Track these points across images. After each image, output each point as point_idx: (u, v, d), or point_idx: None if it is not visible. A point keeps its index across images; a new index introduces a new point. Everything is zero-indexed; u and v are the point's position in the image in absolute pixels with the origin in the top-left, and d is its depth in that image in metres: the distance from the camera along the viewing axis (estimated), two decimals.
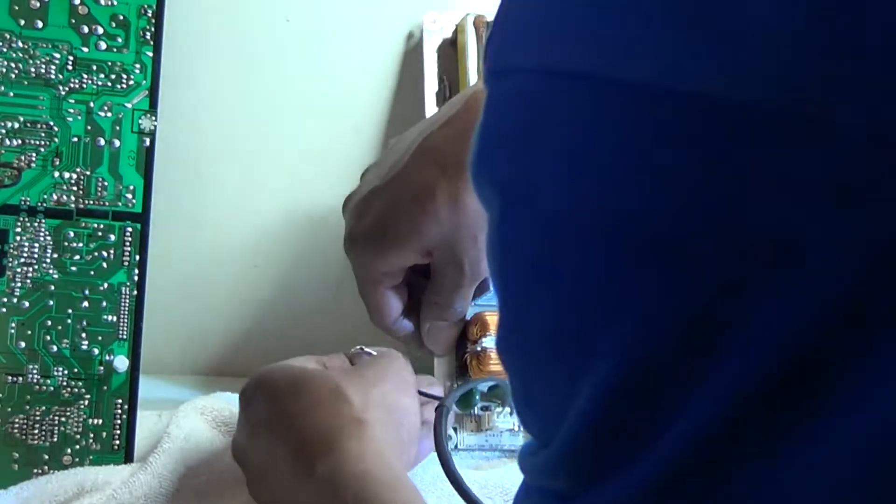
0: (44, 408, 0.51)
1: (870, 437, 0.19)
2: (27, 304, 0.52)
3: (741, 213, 0.19)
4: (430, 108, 0.62)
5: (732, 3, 0.19)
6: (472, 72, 0.59)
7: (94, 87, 0.54)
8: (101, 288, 0.53)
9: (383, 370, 0.48)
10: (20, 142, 0.53)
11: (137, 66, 0.54)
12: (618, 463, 0.22)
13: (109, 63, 0.54)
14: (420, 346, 0.55)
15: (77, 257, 0.53)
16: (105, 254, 0.53)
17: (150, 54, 0.54)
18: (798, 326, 0.19)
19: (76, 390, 0.52)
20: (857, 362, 0.19)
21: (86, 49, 0.54)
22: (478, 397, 0.55)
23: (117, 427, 0.52)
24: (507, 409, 0.56)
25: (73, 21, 0.53)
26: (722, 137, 0.19)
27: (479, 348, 0.54)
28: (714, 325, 0.20)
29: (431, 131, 0.49)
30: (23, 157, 0.53)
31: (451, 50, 0.62)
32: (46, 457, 0.51)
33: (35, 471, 0.51)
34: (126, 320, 0.53)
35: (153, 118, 0.54)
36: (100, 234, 0.53)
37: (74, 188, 0.53)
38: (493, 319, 0.53)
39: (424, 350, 0.55)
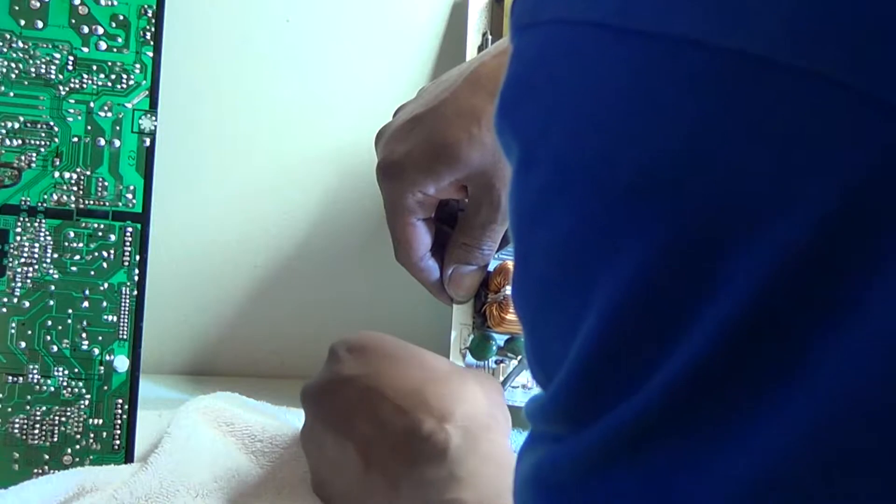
0: (44, 408, 0.52)
1: (854, 373, 0.19)
2: (27, 304, 0.52)
3: (732, 154, 0.20)
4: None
5: None
6: None
7: (95, 87, 0.54)
8: (102, 288, 0.53)
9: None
10: (20, 142, 0.53)
11: (137, 66, 0.54)
12: (607, 404, 0.22)
13: (109, 63, 0.54)
14: (441, 291, 0.54)
15: (77, 257, 0.53)
16: (105, 254, 0.53)
17: (150, 54, 0.54)
18: (788, 261, 0.19)
19: (76, 390, 0.52)
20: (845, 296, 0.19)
21: (86, 49, 0.54)
22: (494, 349, 0.55)
23: (118, 427, 0.52)
24: (522, 365, 0.55)
25: (74, 21, 0.53)
26: (707, 79, 0.20)
27: (501, 297, 0.53)
28: (707, 259, 0.20)
29: (484, 60, 0.49)
30: (23, 157, 0.53)
31: (497, 6, 0.62)
32: (47, 457, 0.51)
33: (35, 471, 0.51)
34: (126, 320, 0.53)
35: (153, 118, 0.54)
36: (100, 234, 0.53)
37: (74, 188, 0.53)
38: None
39: (444, 296, 0.55)
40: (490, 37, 0.62)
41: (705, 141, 0.20)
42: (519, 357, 0.55)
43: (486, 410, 0.45)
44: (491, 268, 0.54)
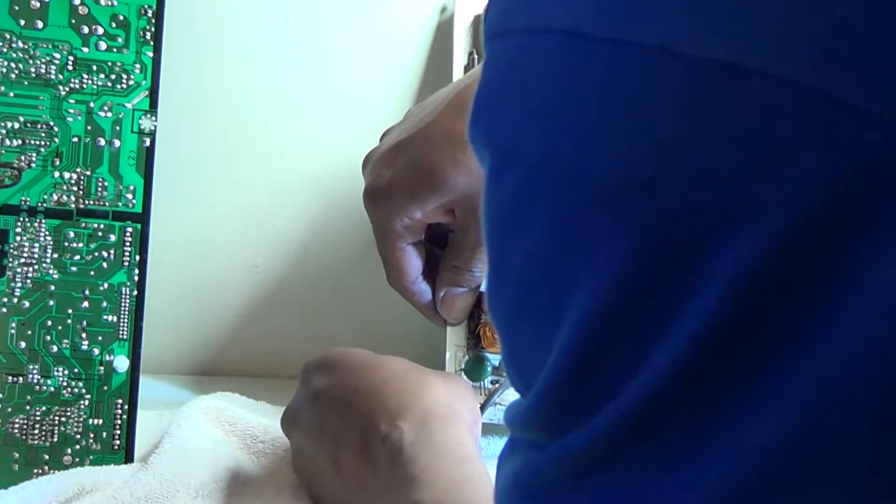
0: (44, 408, 0.51)
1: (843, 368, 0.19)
2: (27, 304, 0.52)
3: (704, 160, 0.20)
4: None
5: None
6: None
7: (94, 87, 0.54)
8: (102, 288, 0.53)
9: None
10: (20, 142, 0.53)
11: (137, 66, 0.54)
12: (587, 411, 0.22)
13: (109, 63, 0.54)
14: (434, 313, 0.54)
15: (77, 257, 0.53)
16: (105, 254, 0.53)
17: (150, 54, 0.54)
18: (762, 265, 0.20)
19: (76, 390, 0.52)
20: (825, 293, 0.19)
21: (86, 49, 0.54)
22: (489, 370, 0.55)
23: (117, 427, 0.52)
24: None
25: (74, 21, 0.53)
26: (677, 87, 0.20)
27: None
28: (682, 263, 0.20)
29: (468, 82, 0.49)
30: (23, 158, 0.53)
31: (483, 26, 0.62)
32: (47, 457, 0.51)
33: (35, 471, 0.51)
34: (126, 320, 0.53)
35: (153, 118, 0.54)
36: (100, 234, 0.53)
37: (74, 188, 0.53)
38: None
39: (437, 319, 0.55)
40: (476, 56, 0.62)
41: (676, 147, 0.20)
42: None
43: (444, 401, 0.45)
44: (483, 288, 0.54)
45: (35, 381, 0.52)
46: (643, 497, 0.21)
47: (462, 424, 0.45)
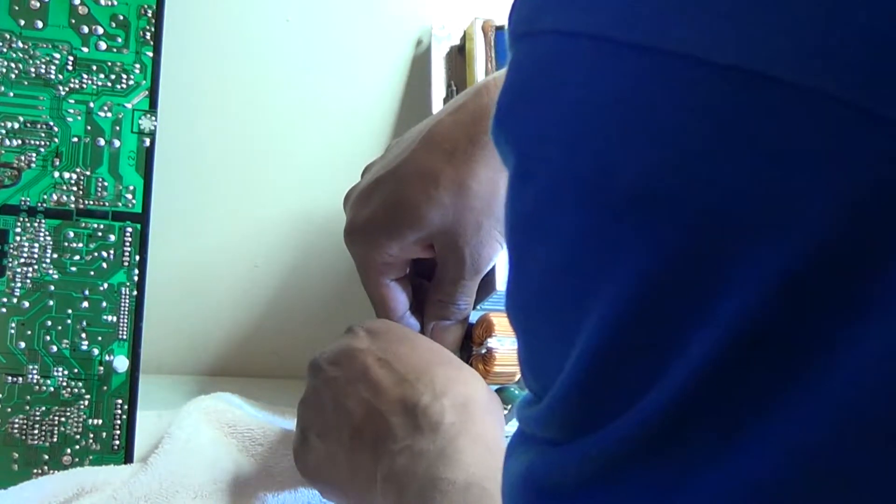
0: (44, 408, 0.51)
1: (867, 383, 0.19)
2: (27, 304, 0.52)
3: (731, 171, 0.20)
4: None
5: None
6: (481, 77, 0.59)
7: (94, 87, 0.54)
8: (101, 288, 0.53)
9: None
10: (20, 142, 0.53)
11: (137, 66, 0.54)
12: (607, 414, 0.22)
13: (109, 63, 0.54)
14: None
15: (77, 257, 0.53)
16: (105, 254, 0.53)
17: (150, 54, 0.54)
18: (789, 276, 0.19)
19: (76, 390, 0.52)
20: (851, 309, 0.19)
21: (86, 49, 0.54)
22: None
23: (117, 427, 0.52)
24: (512, 413, 0.55)
25: (73, 21, 0.53)
26: (705, 96, 0.20)
27: (483, 350, 0.53)
28: (707, 273, 0.20)
29: (440, 118, 0.50)
30: (23, 158, 0.53)
31: (459, 56, 0.62)
32: (46, 457, 0.51)
33: (34, 471, 0.51)
34: (126, 320, 0.53)
35: (153, 118, 0.54)
36: (100, 234, 0.53)
37: (74, 188, 0.53)
38: (498, 321, 0.53)
39: None
40: (455, 87, 0.61)
41: (703, 156, 0.20)
42: (509, 406, 0.55)
43: (485, 395, 0.46)
44: (473, 319, 0.54)
45: (35, 381, 0.52)
46: (666, 499, 0.21)
47: (497, 420, 0.46)
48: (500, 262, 0.52)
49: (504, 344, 0.53)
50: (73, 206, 0.53)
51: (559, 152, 0.23)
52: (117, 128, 0.54)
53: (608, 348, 0.22)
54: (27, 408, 0.51)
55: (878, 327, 0.19)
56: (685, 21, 0.20)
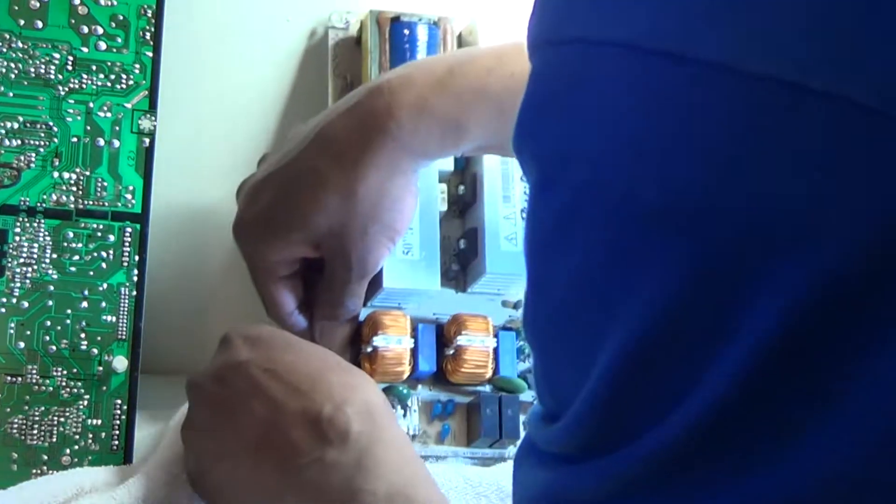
0: (43, 408, 0.51)
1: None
2: (26, 304, 0.52)
3: (761, 183, 0.19)
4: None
5: None
6: (376, 69, 0.57)
7: (94, 87, 0.54)
8: (101, 288, 0.53)
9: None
10: (20, 142, 0.53)
11: (137, 66, 0.54)
12: (629, 434, 0.22)
13: (109, 63, 0.54)
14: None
15: (76, 258, 0.53)
16: (104, 254, 0.53)
17: (150, 54, 0.54)
18: (817, 290, 0.19)
19: (75, 391, 0.52)
20: (876, 327, 0.19)
21: (85, 49, 0.54)
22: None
23: (116, 427, 0.52)
24: (401, 412, 0.54)
25: (73, 21, 0.53)
26: (738, 106, 0.20)
27: (370, 349, 0.52)
28: (733, 290, 0.20)
29: (330, 119, 0.48)
30: (22, 158, 0.53)
31: (356, 48, 0.61)
32: (45, 457, 0.51)
33: (34, 471, 0.51)
34: (125, 320, 0.53)
35: (153, 118, 0.54)
36: (99, 234, 0.53)
37: (74, 188, 0.53)
38: (386, 319, 0.52)
39: None
40: (351, 81, 0.60)
41: (734, 168, 0.20)
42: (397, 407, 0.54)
43: (382, 399, 0.45)
44: (362, 317, 0.53)
45: (34, 381, 0.52)
46: None
47: (396, 422, 0.45)
48: (389, 261, 0.51)
49: (390, 343, 0.52)
50: (72, 206, 0.53)
51: (584, 165, 0.22)
52: (117, 128, 0.54)
53: (632, 367, 0.22)
54: (26, 408, 0.51)
55: None
56: (717, 30, 0.20)
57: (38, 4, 0.53)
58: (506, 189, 0.55)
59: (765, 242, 0.19)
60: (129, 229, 0.53)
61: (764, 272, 0.19)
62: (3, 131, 0.52)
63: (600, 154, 0.22)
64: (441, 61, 0.48)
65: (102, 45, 0.54)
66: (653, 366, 0.21)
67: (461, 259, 0.57)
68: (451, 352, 0.53)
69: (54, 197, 0.53)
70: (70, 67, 0.53)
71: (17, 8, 0.53)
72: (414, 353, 0.53)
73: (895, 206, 0.18)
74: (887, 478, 0.19)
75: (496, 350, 0.54)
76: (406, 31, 0.58)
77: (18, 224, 0.52)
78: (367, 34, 0.58)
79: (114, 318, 0.53)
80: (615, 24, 0.22)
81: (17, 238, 0.52)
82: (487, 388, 0.55)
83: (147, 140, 0.54)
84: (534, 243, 0.25)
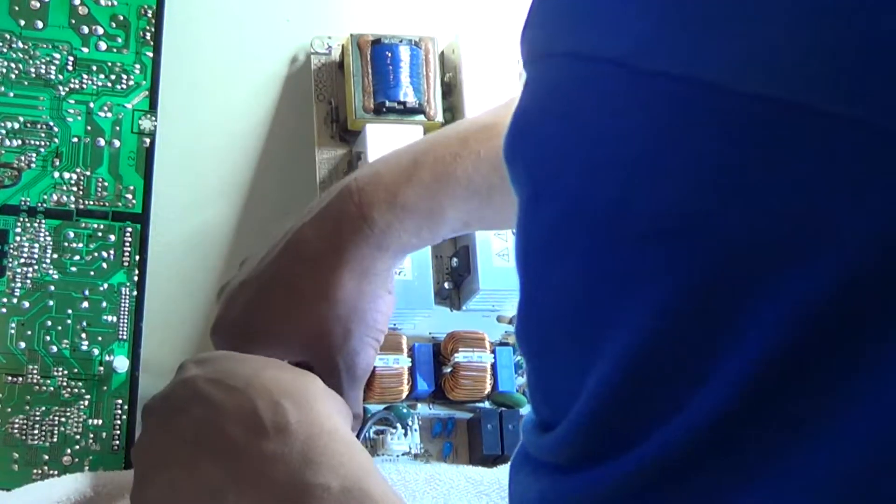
0: (44, 408, 0.51)
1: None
2: (27, 304, 0.52)
3: (756, 201, 0.19)
4: (320, 131, 0.60)
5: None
6: (359, 92, 0.57)
7: (94, 87, 0.54)
8: (101, 288, 0.53)
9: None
10: (20, 142, 0.53)
11: (137, 66, 0.54)
12: (623, 445, 0.22)
13: (109, 63, 0.54)
14: None
15: (77, 258, 0.53)
16: (105, 254, 0.53)
17: (150, 54, 0.54)
18: (809, 309, 0.19)
19: (76, 391, 0.52)
20: (876, 343, 0.19)
21: (86, 49, 0.54)
22: (370, 422, 0.54)
23: (117, 427, 0.52)
24: (401, 431, 0.54)
25: (74, 21, 0.53)
26: (731, 125, 0.20)
27: None
28: (729, 304, 0.20)
29: (303, 223, 0.47)
30: (23, 158, 0.53)
31: (339, 72, 0.61)
32: (46, 457, 0.51)
33: (35, 471, 0.51)
34: (126, 320, 0.53)
35: (153, 118, 0.54)
36: (99, 234, 0.53)
37: (74, 188, 0.53)
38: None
39: None
40: (336, 105, 0.60)
41: (729, 186, 0.20)
42: (398, 425, 0.54)
43: (323, 390, 0.44)
44: None
45: (35, 381, 0.52)
46: None
47: (343, 416, 0.44)
48: None
49: (387, 363, 0.52)
50: (73, 206, 0.53)
51: (575, 179, 0.22)
52: (117, 128, 0.54)
53: (626, 380, 0.22)
54: (27, 408, 0.51)
55: None
56: (710, 48, 0.20)
57: (38, 5, 0.53)
58: None
59: (761, 258, 0.19)
60: (129, 229, 0.54)
61: (760, 287, 0.19)
62: (4, 131, 0.52)
63: (593, 168, 0.22)
64: (406, 153, 0.47)
65: (103, 46, 0.54)
66: (648, 378, 0.21)
67: (454, 277, 0.57)
68: (449, 370, 0.54)
69: (55, 197, 0.53)
70: (70, 68, 0.53)
71: (17, 8, 0.53)
72: (412, 372, 0.54)
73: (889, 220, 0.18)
74: (887, 489, 0.19)
75: (494, 366, 0.54)
76: (388, 54, 0.58)
77: (19, 224, 0.52)
78: (350, 58, 0.58)
79: (114, 318, 0.53)
80: (607, 39, 0.22)
81: (18, 238, 0.52)
82: (487, 404, 0.55)
83: (147, 140, 0.54)
84: (526, 255, 0.25)
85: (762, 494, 0.20)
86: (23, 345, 0.52)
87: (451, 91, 0.60)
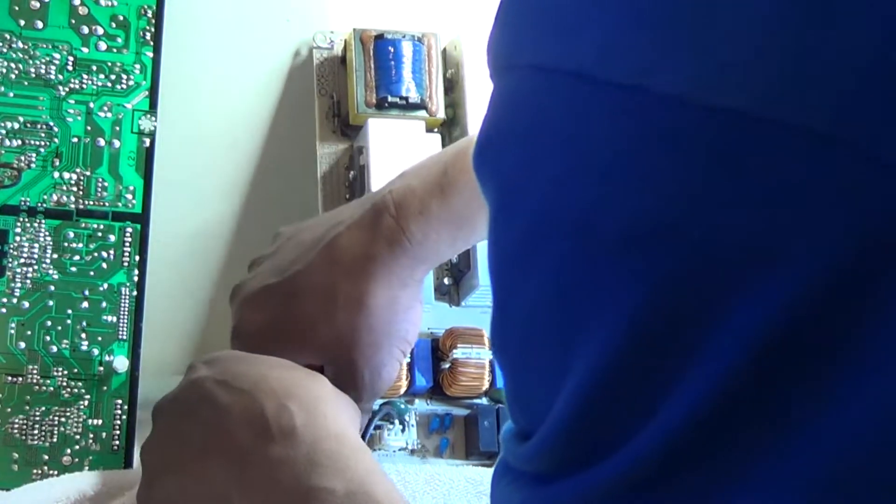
0: (43, 408, 0.51)
1: (859, 430, 0.19)
2: (27, 304, 0.52)
3: (721, 211, 0.20)
4: (322, 125, 0.60)
5: (709, 10, 0.19)
6: (361, 87, 0.57)
7: (94, 87, 0.54)
8: (101, 288, 0.53)
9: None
10: (20, 142, 0.53)
11: (137, 66, 0.54)
12: (599, 453, 0.22)
13: (109, 63, 0.54)
14: None
15: (77, 258, 0.53)
16: (105, 254, 0.53)
17: (150, 55, 0.54)
18: (777, 317, 0.19)
19: (76, 391, 0.52)
20: (845, 354, 0.19)
21: (86, 49, 0.54)
22: (374, 420, 0.53)
23: (117, 428, 0.52)
24: (399, 427, 0.54)
25: (73, 21, 0.53)
26: (693, 138, 0.20)
27: None
28: (698, 311, 0.20)
29: (339, 232, 0.47)
30: (23, 158, 0.53)
31: (341, 67, 0.61)
32: (46, 457, 0.51)
33: (34, 471, 0.51)
34: (126, 321, 0.53)
35: (153, 118, 0.54)
36: (99, 234, 0.53)
37: (74, 189, 0.53)
38: None
39: None
40: (337, 100, 0.60)
41: (690, 197, 0.20)
42: (396, 421, 0.54)
43: (332, 393, 0.44)
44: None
45: (35, 381, 0.52)
46: None
47: (350, 418, 0.44)
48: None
49: None
50: (73, 206, 0.53)
51: (542, 192, 0.22)
52: (117, 128, 0.54)
53: (599, 387, 0.22)
54: (27, 408, 0.51)
55: (876, 376, 0.19)
56: (667, 60, 0.20)
57: (38, 5, 0.53)
58: None
59: (731, 265, 0.20)
60: (129, 229, 0.54)
61: (732, 293, 0.20)
62: (4, 131, 0.52)
63: (558, 181, 0.22)
64: (435, 163, 0.47)
65: (103, 46, 0.54)
66: (622, 384, 0.21)
67: (454, 273, 0.57)
68: (448, 365, 0.54)
69: (55, 197, 0.53)
70: (70, 68, 0.53)
71: (17, 8, 0.53)
72: (410, 367, 0.54)
73: (861, 231, 0.18)
74: (869, 486, 0.19)
75: (492, 362, 0.54)
76: (391, 49, 0.58)
77: (19, 224, 0.52)
78: (352, 53, 0.58)
79: (114, 319, 0.53)
80: (567, 51, 0.22)
81: (18, 238, 0.52)
82: (484, 401, 0.55)
83: (147, 140, 0.54)
84: (498, 265, 0.25)
85: (734, 496, 0.20)
86: (23, 345, 0.52)
87: (453, 87, 0.60)
